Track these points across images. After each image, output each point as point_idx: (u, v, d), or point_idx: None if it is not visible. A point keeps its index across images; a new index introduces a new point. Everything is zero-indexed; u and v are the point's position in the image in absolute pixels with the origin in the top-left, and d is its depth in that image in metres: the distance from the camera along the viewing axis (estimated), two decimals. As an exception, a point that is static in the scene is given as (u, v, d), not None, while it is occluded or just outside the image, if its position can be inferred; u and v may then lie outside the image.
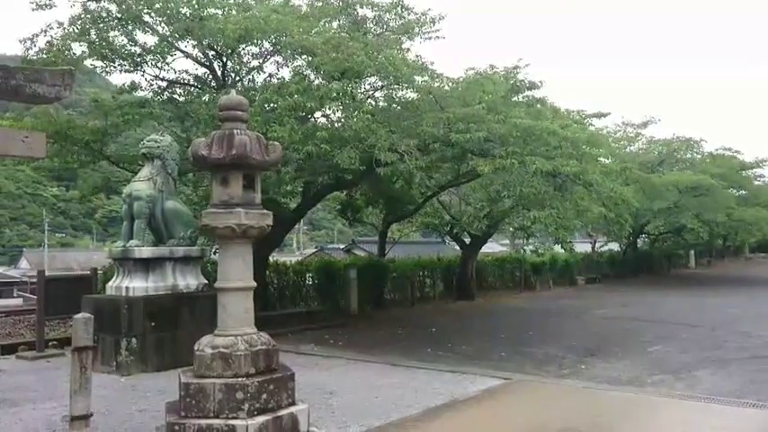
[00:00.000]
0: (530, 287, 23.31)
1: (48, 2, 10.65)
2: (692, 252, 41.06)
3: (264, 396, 4.82)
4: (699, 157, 28.13)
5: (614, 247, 32.54)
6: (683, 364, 9.27)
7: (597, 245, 31.64)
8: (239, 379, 4.77)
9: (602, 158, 13.72)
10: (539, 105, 12.45)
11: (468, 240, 19.97)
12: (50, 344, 9.79)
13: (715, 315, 15.58)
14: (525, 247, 23.79)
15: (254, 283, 5.18)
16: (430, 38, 12.13)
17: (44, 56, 10.59)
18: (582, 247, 27.12)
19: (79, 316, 4.98)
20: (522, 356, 9.99)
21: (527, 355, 10.09)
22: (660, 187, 22.86)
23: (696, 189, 24.85)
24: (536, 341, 11.58)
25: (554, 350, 10.55)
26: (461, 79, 11.83)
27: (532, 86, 12.60)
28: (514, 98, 12.38)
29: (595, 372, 8.82)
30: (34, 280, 13.04)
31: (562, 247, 13.66)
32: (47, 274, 10.96)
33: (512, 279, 23.26)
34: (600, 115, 17.44)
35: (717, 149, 29.89)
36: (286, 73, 12.14)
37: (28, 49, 10.80)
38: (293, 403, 5.05)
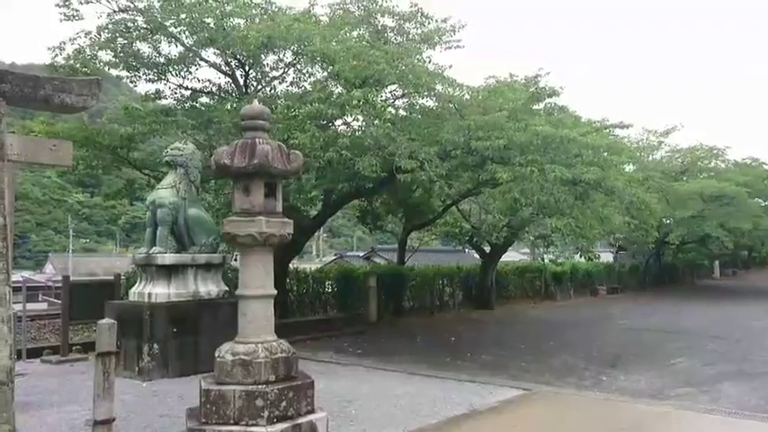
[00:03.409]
0: (550, 297, 23.11)
1: (76, 13, 10.89)
2: (717, 263, 40.36)
3: (284, 403, 4.85)
4: (723, 165, 27.69)
5: (637, 257, 32.06)
6: (708, 377, 9.11)
7: (619, 254, 31.27)
8: (259, 386, 4.81)
9: (624, 166, 13.59)
10: (560, 114, 12.38)
11: (488, 249, 19.88)
12: (74, 348, 9.94)
13: (740, 327, 15.30)
14: (545, 256, 23.60)
15: (275, 291, 5.22)
16: (450, 47, 12.15)
17: (71, 63, 10.82)
18: (604, 257, 26.84)
19: (103, 321, 5.05)
20: (543, 367, 9.90)
21: (547, 366, 9.99)
22: (683, 196, 22.53)
23: (720, 198, 24.43)
24: (556, 351, 11.47)
25: (575, 361, 10.44)
26: (481, 87, 11.83)
27: (553, 93, 12.54)
28: (535, 106, 12.33)
29: (617, 383, 8.71)
30: (59, 285, 13.24)
31: (581, 256, 13.50)
32: (71, 279, 11.14)
33: (532, 288, 23.07)
34: (622, 126, 17.22)
35: (742, 158, 29.42)
36: (307, 82, 12.27)
37: (55, 57, 11.06)
38: (312, 411, 5.07)
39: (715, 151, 27.26)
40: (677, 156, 27.45)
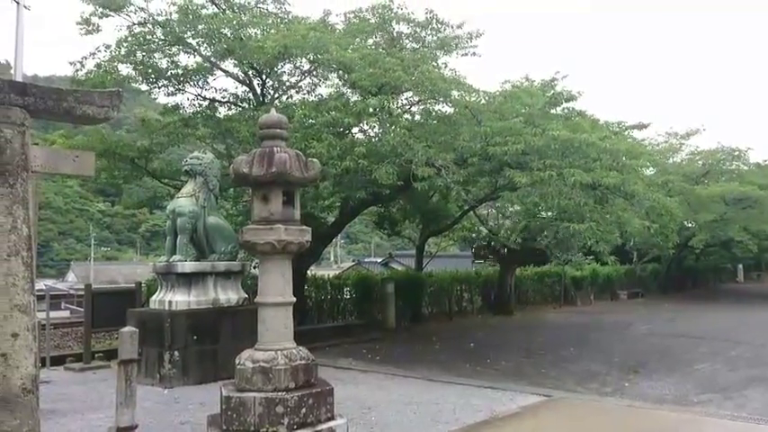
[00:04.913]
0: (570, 302, 22.91)
1: (96, 28, 11.10)
2: (740, 266, 39.74)
3: (304, 410, 4.87)
4: (745, 167, 27.28)
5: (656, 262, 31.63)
6: (732, 383, 8.97)
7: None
8: (279, 393, 4.83)
9: (643, 169, 13.44)
10: (577, 118, 12.31)
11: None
12: (97, 356, 10.07)
13: (764, 332, 15.04)
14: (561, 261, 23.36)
15: (294, 299, 5.25)
16: (467, 54, 12.15)
17: (92, 77, 11.00)
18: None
19: (125, 329, 5.13)
20: (563, 373, 9.82)
21: (568, 372, 9.91)
22: (705, 199, 22.25)
23: (743, 201, 24.09)
24: (577, 357, 11.37)
25: (596, 366, 10.33)
26: (498, 92, 11.81)
27: (570, 98, 12.49)
28: (552, 111, 12.28)
29: (639, 389, 8.60)
30: (81, 293, 13.43)
31: (600, 262, 13.36)
32: (93, 287, 11.29)
33: (551, 293, 22.89)
34: (641, 126, 17.04)
35: (764, 159, 29.00)
36: (323, 90, 12.35)
37: (77, 71, 11.27)
38: (332, 418, 5.09)
39: (736, 153, 26.86)
40: (698, 158, 27.11)
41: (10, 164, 3.81)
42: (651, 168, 17.78)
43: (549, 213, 12.39)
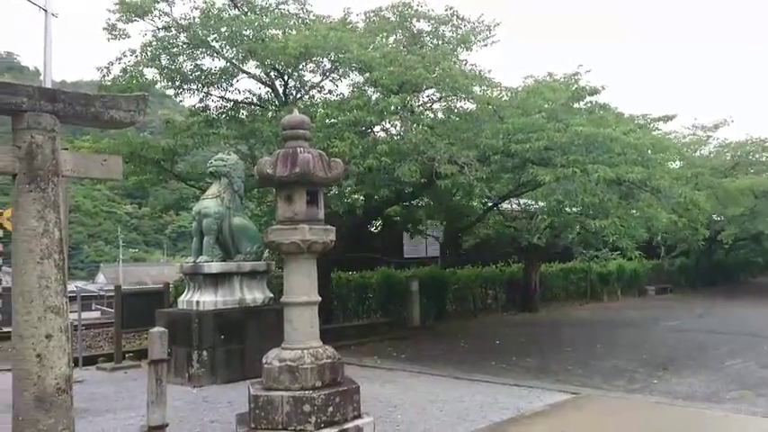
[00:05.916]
0: (596, 298, 22.65)
1: (122, 33, 11.29)
2: (772, 260, 38.82)
3: (331, 409, 4.91)
4: (776, 159, 26.65)
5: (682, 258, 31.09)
6: (765, 380, 8.79)
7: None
8: (306, 392, 4.88)
9: (669, 163, 13.24)
10: (601, 112, 12.16)
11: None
12: (127, 356, 10.26)
13: (799, 327, 14.71)
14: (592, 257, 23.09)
15: (319, 298, 5.29)
16: (486, 44, 12.11)
17: (118, 82, 11.19)
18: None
19: (155, 330, 5.22)
20: (590, 370, 9.72)
21: (595, 369, 9.81)
22: (734, 192, 21.81)
23: (773, 193, 23.57)
24: (604, 354, 11.24)
25: (624, 363, 10.21)
26: (520, 88, 11.73)
27: (594, 92, 12.36)
28: (575, 105, 12.16)
29: (669, 386, 8.48)
30: (111, 294, 13.68)
31: (626, 257, 13.17)
32: (123, 288, 11.50)
33: (577, 290, 22.65)
34: (666, 118, 16.75)
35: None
36: (344, 88, 12.40)
37: (104, 76, 11.47)
38: (359, 416, 5.12)
39: (766, 144, 26.28)
40: (726, 151, 26.59)
41: (41, 169, 3.92)
42: (678, 162, 17.52)
43: (574, 209, 12.27)
